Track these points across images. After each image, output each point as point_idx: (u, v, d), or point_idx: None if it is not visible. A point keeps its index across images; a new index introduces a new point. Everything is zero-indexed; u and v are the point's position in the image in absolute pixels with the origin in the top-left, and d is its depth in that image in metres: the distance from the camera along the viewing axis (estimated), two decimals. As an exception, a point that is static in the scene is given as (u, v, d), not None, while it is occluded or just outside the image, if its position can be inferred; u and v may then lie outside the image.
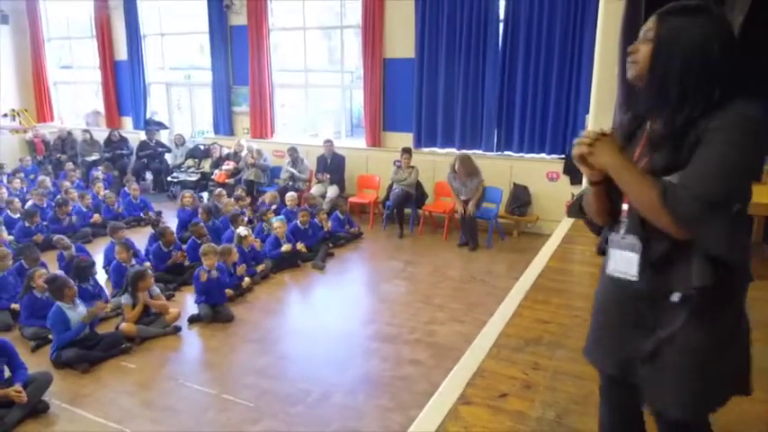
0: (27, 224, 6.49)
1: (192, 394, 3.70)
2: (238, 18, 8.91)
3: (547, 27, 6.80)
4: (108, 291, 5.15)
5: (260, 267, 5.66)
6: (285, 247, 5.93)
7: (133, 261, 5.23)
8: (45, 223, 6.81)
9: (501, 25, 7.11)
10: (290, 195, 7.14)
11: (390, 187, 7.34)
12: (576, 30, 6.66)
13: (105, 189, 8.07)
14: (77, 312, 4.08)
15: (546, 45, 6.84)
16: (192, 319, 4.69)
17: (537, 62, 6.93)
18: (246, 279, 5.32)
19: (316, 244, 6.42)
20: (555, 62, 6.82)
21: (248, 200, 7.39)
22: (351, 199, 7.78)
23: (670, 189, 1.24)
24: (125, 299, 4.46)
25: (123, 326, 4.31)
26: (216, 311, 4.71)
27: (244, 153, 8.47)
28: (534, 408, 2.22)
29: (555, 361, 2.57)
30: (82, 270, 4.76)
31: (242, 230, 5.71)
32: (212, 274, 4.82)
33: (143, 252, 5.83)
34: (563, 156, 6.95)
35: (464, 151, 7.06)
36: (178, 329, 4.53)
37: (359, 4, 7.87)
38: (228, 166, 8.54)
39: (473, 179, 6.62)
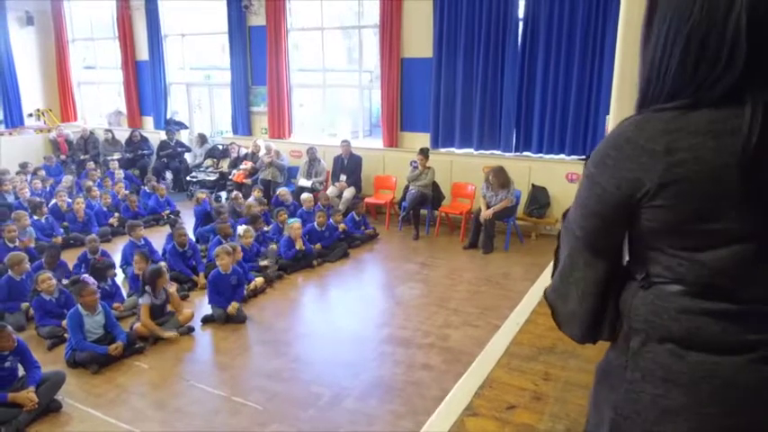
0: (36, 217, 6.55)
1: (202, 396, 3.70)
2: (257, 18, 8.93)
3: (567, 26, 6.67)
4: (124, 290, 5.19)
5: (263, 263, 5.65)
6: (299, 245, 5.92)
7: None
8: (65, 223, 6.90)
9: (520, 24, 7.00)
10: (307, 196, 7.14)
11: (406, 188, 7.29)
12: (597, 29, 6.53)
13: (126, 189, 8.17)
14: (94, 320, 4.11)
15: (566, 44, 6.71)
16: (206, 320, 4.70)
17: (557, 62, 6.82)
18: (259, 279, 5.32)
19: (331, 245, 6.41)
20: (575, 62, 6.69)
21: (266, 202, 7.38)
22: (367, 199, 7.75)
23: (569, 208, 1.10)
24: (143, 299, 4.48)
25: (137, 326, 4.33)
26: (229, 312, 4.71)
27: (261, 153, 8.50)
28: (543, 421, 2.15)
29: (567, 371, 2.49)
30: (99, 271, 4.80)
31: (241, 228, 5.71)
32: (231, 279, 4.83)
33: (160, 252, 5.88)
34: (583, 157, 6.81)
35: (498, 164, 6.85)
36: (191, 330, 4.54)
37: (377, 4, 7.83)
38: (246, 166, 8.57)
39: (506, 190, 6.54)
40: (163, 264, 5.36)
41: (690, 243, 0.88)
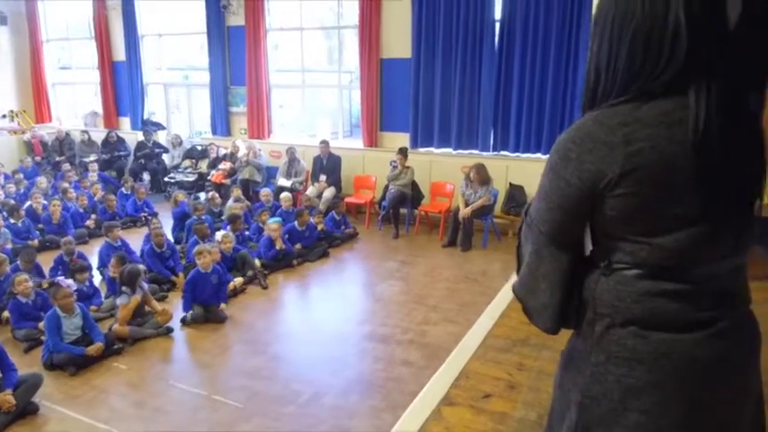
0: (12, 220, 6.46)
1: (182, 395, 3.70)
2: (236, 18, 8.91)
3: (543, 27, 6.79)
4: (103, 291, 5.15)
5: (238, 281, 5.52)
6: (279, 245, 5.92)
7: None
8: (40, 226, 6.81)
9: (497, 25, 7.10)
10: (285, 196, 7.14)
11: (386, 188, 7.34)
12: (571, 30, 6.65)
13: (102, 190, 8.08)
14: (72, 321, 4.08)
15: (542, 45, 6.83)
16: (185, 320, 4.68)
17: (533, 62, 6.93)
18: (238, 279, 5.32)
19: (311, 244, 6.43)
20: (551, 62, 6.81)
21: (247, 202, 7.36)
22: (347, 199, 7.78)
23: (530, 203, 1.14)
24: (120, 299, 4.46)
25: (116, 327, 4.31)
26: (208, 312, 4.71)
27: (240, 153, 8.47)
28: (517, 408, 2.22)
29: (540, 362, 2.57)
30: (75, 273, 4.76)
31: (219, 234, 5.69)
32: (212, 278, 4.81)
33: (138, 253, 5.84)
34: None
35: (479, 161, 6.91)
36: (170, 330, 4.53)
37: (356, 5, 7.87)
38: (225, 166, 8.54)
39: (485, 187, 6.62)
40: (141, 266, 5.33)
41: (650, 228, 0.94)
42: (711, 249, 0.95)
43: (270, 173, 8.49)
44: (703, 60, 0.89)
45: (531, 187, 7.04)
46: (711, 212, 0.92)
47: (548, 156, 1.03)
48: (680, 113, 0.89)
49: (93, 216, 7.30)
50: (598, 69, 0.99)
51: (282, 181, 8.03)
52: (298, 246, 6.25)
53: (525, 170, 7.13)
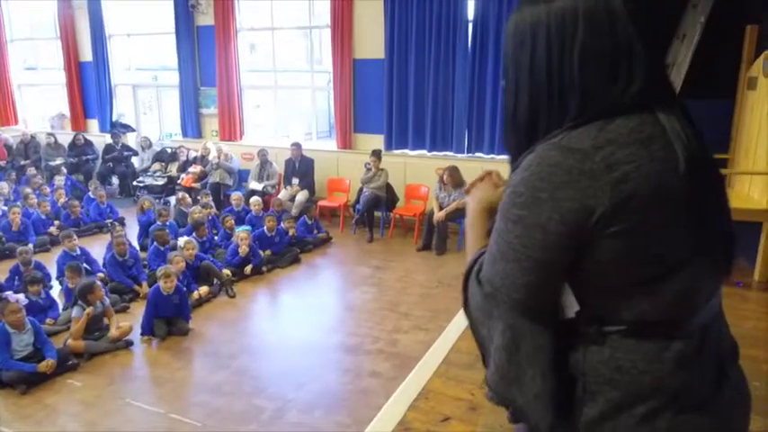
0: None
1: (138, 414, 3.53)
2: (205, 18, 8.70)
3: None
4: (61, 303, 4.94)
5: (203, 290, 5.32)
6: (242, 250, 5.74)
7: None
8: (-1, 233, 6.57)
9: (470, 26, 7.01)
10: (255, 200, 6.97)
11: (360, 190, 7.20)
12: (544, 29, 6.57)
13: (67, 196, 7.82)
14: (22, 338, 3.88)
15: (515, 45, 6.73)
16: (145, 333, 4.49)
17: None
18: (203, 288, 5.15)
19: (282, 250, 6.26)
20: (524, 62, 6.72)
21: (213, 209, 7.15)
22: (321, 203, 7.64)
23: (477, 266, 0.91)
24: (75, 311, 4.26)
25: (70, 342, 4.12)
26: (171, 324, 4.53)
27: (211, 156, 8.27)
28: (476, 432, 2.10)
29: (505, 379, 2.46)
30: (28, 284, 4.55)
31: (182, 240, 5.51)
32: (173, 299, 4.60)
33: (100, 261, 5.63)
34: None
35: (453, 164, 6.82)
36: (130, 344, 4.34)
37: (328, 4, 7.72)
38: (195, 169, 8.33)
39: (458, 190, 6.52)
40: (101, 274, 5.14)
41: (654, 270, 0.78)
42: (706, 292, 0.82)
43: (242, 176, 8.30)
44: (662, 73, 0.81)
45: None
46: (707, 242, 0.80)
47: (500, 209, 0.84)
48: (649, 129, 0.78)
49: (57, 222, 7.05)
50: (534, 95, 0.86)
51: (254, 184, 7.85)
52: (267, 252, 6.09)
53: (500, 172, 7.02)
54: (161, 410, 3.55)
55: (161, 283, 4.51)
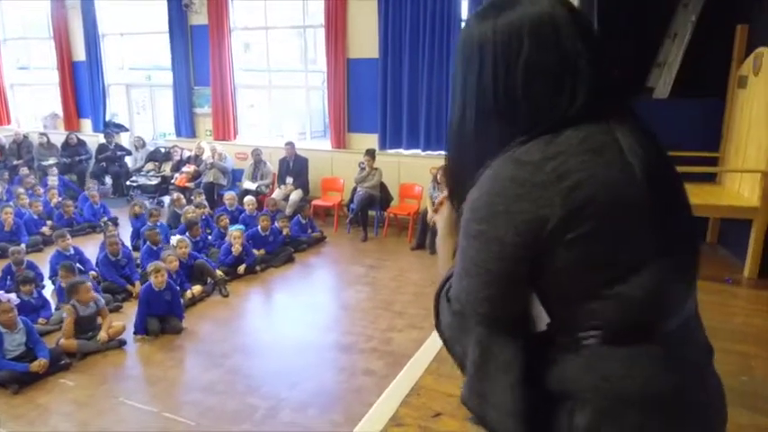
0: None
1: (131, 413, 3.52)
2: (198, 17, 8.68)
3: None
4: (53, 303, 4.92)
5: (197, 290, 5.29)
6: (236, 249, 5.72)
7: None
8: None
9: (463, 25, 6.99)
10: (249, 200, 6.96)
11: (354, 190, 7.21)
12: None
13: (60, 196, 7.79)
14: (14, 337, 3.87)
15: (508, 44, 6.76)
16: (138, 331, 4.48)
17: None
18: (196, 288, 5.14)
19: (276, 249, 6.26)
20: (517, 62, 6.74)
21: (207, 208, 7.12)
22: (315, 202, 7.64)
23: (447, 285, 0.92)
24: (67, 312, 4.25)
25: (62, 341, 4.10)
26: (164, 322, 4.52)
27: (205, 156, 8.26)
28: (466, 428, 2.11)
29: (496, 375, 2.47)
30: (20, 284, 4.53)
31: (174, 239, 5.50)
32: (165, 295, 4.59)
33: (93, 261, 5.61)
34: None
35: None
36: (123, 343, 4.33)
37: (322, 4, 7.72)
38: (189, 169, 8.31)
39: None
40: (93, 273, 5.13)
41: (612, 274, 0.78)
42: (676, 293, 0.83)
43: (235, 176, 8.29)
44: (610, 85, 0.83)
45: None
46: (669, 244, 0.80)
47: (461, 226, 0.84)
48: (600, 139, 0.80)
49: (49, 222, 7.03)
50: (481, 111, 0.86)
51: (248, 184, 7.84)
52: (261, 251, 6.08)
53: (494, 171, 7.06)
54: (154, 409, 3.55)
55: (152, 279, 4.51)
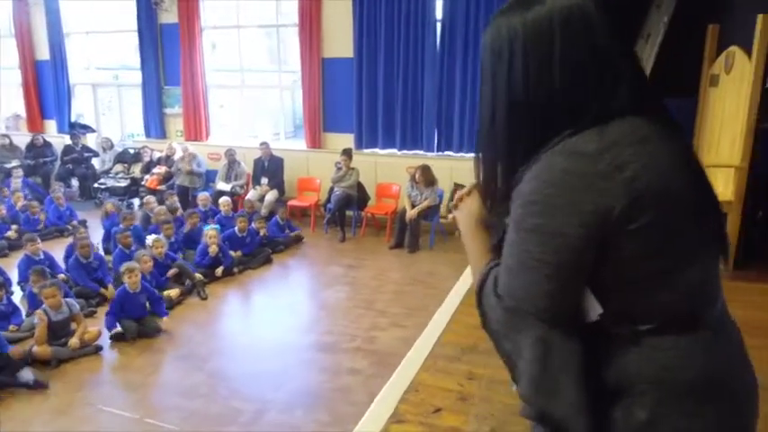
0: None
1: (111, 420, 3.41)
2: (168, 16, 8.50)
3: (483, 26, 6.77)
4: (23, 309, 4.74)
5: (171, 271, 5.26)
6: (212, 250, 5.63)
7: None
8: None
9: (438, 25, 7.06)
10: (225, 200, 6.84)
11: (331, 189, 7.17)
12: (511, 29, 6.67)
13: (26, 199, 7.52)
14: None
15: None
16: (116, 337, 4.35)
17: (474, 62, 6.92)
18: (174, 291, 5.03)
19: (253, 251, 6.17)
20: (492, 61, 6.81)
21: (178, 208, 6.98)
22: (291, 202, 7.56)
23: (490, 281, 0.90)
24: (36, 318, 4.09)
25: (36, 349, 3.95)
26: (141, 324, 4.40)
27: (176, 156, 8.09)
28: (469, 422, 2.11)
29: (489, 369, 2.48)
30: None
31: (150, 238, 5.37)
32: (141, 298, 4.46)
33: (63, 265, 5.43)
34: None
35: (425, 162, 6.83)
36: (99, 349, 4.20)
37: (296, 3, 7.65)
38: (160, 170, 8.12)
39: (430, 188, 6.56)
40: (63, 276, 4.96)
41: (668, 263, 0.79)
42: (718, 280, 0.85)
43: (209, 176, 8.14)
44: (644, 76, 0.85)
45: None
46: (708, 234, 0.83)
47: (513, 220, 0.83)
48: (645, 129, 0.81)
49: (15, 226, 6.77)
50: (513, 107, 0.86)
51: (222, 185, 7.71)
52: (238, 253, 5.99)
53: (470, 170, 6.97)
54: (135, 416, 3.45)
55: (125, 280, 4.38)
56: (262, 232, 6.37)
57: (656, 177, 0.77)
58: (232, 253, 5.91)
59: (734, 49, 3.85)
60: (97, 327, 4.42)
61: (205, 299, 5.20)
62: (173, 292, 4.99)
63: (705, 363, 0.81)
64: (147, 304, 4.52)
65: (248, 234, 6.20)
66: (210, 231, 5.76)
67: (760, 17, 3.33)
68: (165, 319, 4.56)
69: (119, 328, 4.32)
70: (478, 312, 0.92)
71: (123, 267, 4.41)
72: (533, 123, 0.85)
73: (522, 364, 0.83)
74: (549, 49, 0.82)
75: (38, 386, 3.65)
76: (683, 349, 0.80)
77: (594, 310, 0.83)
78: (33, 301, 4.53)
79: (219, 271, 5.63)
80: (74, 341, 4.09)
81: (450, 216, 1.13)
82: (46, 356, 3.95)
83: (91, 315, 4.75)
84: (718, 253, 0.87)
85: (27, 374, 3.72)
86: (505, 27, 0.86)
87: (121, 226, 5.88)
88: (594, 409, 0.81)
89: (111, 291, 4.99)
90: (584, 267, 0.80)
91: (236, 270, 5.79)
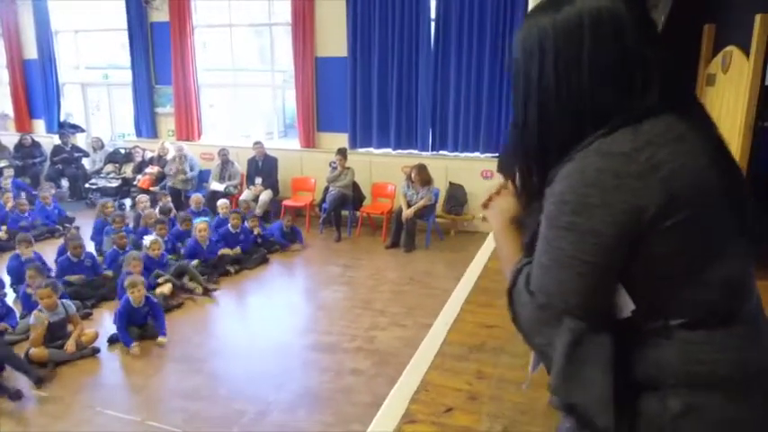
0: None
1: (112, 423, 3.37)
2: (159, 14, 8.42)
3: (478, 26, 6.80)
4: (17, 311, 4.67)
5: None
6: (201, 237, 5.63)
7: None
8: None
9: (432, 24, 7.06)
10: (223, 203, 6.77)
11: (326, 189, 7.14)
12: (506, 28, 6.70)
13: (16, 198, 7.40)
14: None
15: (477, 44, 6.84)
16: (113, 340, 4.29)
17: (469, 61, 6.93)
18: (165, 286, 4.99)
19: (249, 249, 6.14)
20: (486, 61, 6.84)
21: (170, 209, 6.91)
22: (285, 202, 7.52)
23: (522, 278, 0.91)
24: (33, 319, 4.03)
25: (33, 351, 3.89)
26: (143, 330, 4.34)
27: (169, 156, 8.01)
28: (481, 421, 2.11)
29: (499, 368, 2.48)
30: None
31: (147, 239, 5.33)
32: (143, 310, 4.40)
33: (53, 266, 5.35)
34: (496, 154, 6.98)
35: (420, 162, 6.84)
36: (96, 351, 4.14)
37: (288, 2, 7.61)
38: (152, 170, 8.05)
39: (426, 188, 6.56)
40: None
41: (702, 259, 0.80)
42: (751, 275, 0.86)
43: (202, 176, 8.08)
44: (677, 73, 0.85)
45: (471, 186, 7.06)
46: (742, 231, 0.84)
47: (546, 218, 0.84)
48: (680, 127, 0.82)
49: (3, 227, 6.66)
50: (545, 107, 0.87)
51: (215, 185, 7.65)
52: (236, 250, 5.97)
53: (464, 169, 7.15)
54: (136, 418, 3.41)
55: (129, 295, 4.31)
56: (256, 231, 6.33)
57: (691, 177, 0.78)
58: (229, 251, 5.89)
59: (731, 48, 3.88)
60: (93, 328, 4.37)
61: (216, 289, 5.32)
62: (165, 288, 4.94)
63: (742, 356, 0.82)
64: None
65: (241, 231, 6.17)
66: (201, 224, 5.75)
67: (758, 17, 3.36)
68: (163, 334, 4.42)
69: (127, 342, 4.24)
70: (509, 310, 0.93)
71: (127, 282, 4.34)
72: (564, 122, 0.86)
73: (554, 357, 0.85)
74: (579, 50, 0.83)
75: (15, 397, 3.55)
76: (717, 344, 0.81)
77: (627, 306, 0.84)
78: (27, 303, 4.47)
79: (197, 262, 5.56)
80: (70, 344, 4.03)
81: (481, 215, 1.14)
82: (43, 359, 3.90)
83: (87, 317, 4.69)
84: (750, 249, 0.87)
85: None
86: (536, 27, 0.88)
87: (113, 227, 5.82)
88: (623, 403, 0.82)
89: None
90: (616, 266, 0.81)
91: (231, 270, 5.75)
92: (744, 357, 0.82)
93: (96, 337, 4.23)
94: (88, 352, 4.09)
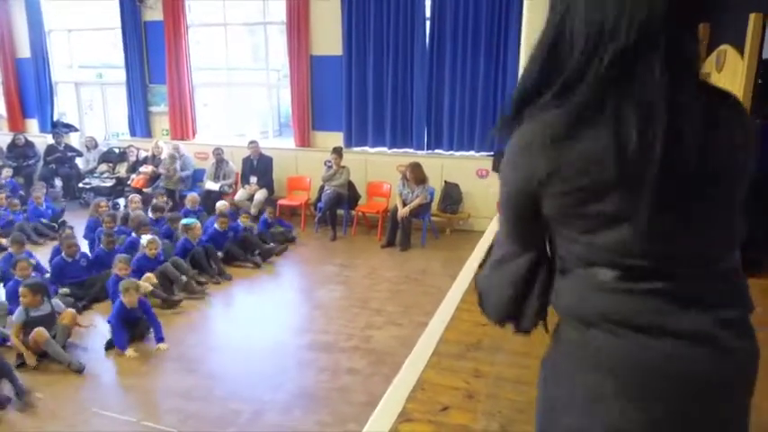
0: None
1: (108, 424, 3.35)
2: (153, 13, 8.38)
3: (473, 25, 6.81)
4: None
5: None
6: (192, 236, 5.63)
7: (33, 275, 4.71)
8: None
9: (428, 23, 7.05)
10: (222, 205, 6.74)
11: (322, 188, 7.13)
12: (501, 27, 6.71)
13: (8, 197, 7.36)
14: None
15: (472, 43, 6.85)
16: (110, 346, 4.24)
17: (464, 60, 6.93)
18: (149, 277, 4.97)
19: (239, 239, 6.15)
20: (481, 60, 6.84)
21: (164, 208, 6.88)
22: (280, 201, 7.51)
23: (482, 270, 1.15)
24: (16, 316, 4.02)
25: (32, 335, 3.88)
26: (134, 328, 4.32)
27: (163, 155, 7.98)
28: (477, 419, 2.10)
29: (496, 366, 2.47)
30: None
31: (144, 239, 5.31)
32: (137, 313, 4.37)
33: (47, 267, 5.33)
34: (491, 153, 6.99)
35: (415, 160, 6.84)
36: (82, 369, 3.93)
37: (283, 0, 7.59)
38: (146, 170, 8.01)
39: (421, 186, 6.56)
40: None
41: (583, 226, 0.90)
42: (670, 248, 0.88)
43: (196, 176, 8.05)
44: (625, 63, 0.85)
45: (466, 184, 7.07)
46: (633, 211, 0.86)
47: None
48: (591, 113, 0.85)
49: (-3, 228, 6.63)
50: (545, 70, 0.94)
51: (210, 184, 7.63)
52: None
53: (460, 168, 7.16)
54: (132, 419, 3.40)
55: (123, 298, 4.28)
56: (243, 223, 6.35)
57: (582, 156, 0.85)
58: (220, 254, 5.88)
59: (725, 47, 3.89)
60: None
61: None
62: (149, 278, 4.91)
63: (622, 304, 0.91)
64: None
65: (230, 229, 6.17)
66: (193, 224, 5.74)
67: (752, 16, 3.37)
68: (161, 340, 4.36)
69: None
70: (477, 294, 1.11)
71: (122, 286, 4.30)
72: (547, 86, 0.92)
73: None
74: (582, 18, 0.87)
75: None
76: (596, 284, 0.92)
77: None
78: (15, 299, 4.41)
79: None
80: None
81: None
82: (42, 341, 3.88)
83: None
84: (690, 218, 0.89)
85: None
86: None
87: (104, 228, 5.79)
88: (514, 311, 1.03)
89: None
90: (519, 214, 0.98)
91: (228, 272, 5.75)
92: (624, 306, 0.90)
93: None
94: (75, 365, 3.92)
